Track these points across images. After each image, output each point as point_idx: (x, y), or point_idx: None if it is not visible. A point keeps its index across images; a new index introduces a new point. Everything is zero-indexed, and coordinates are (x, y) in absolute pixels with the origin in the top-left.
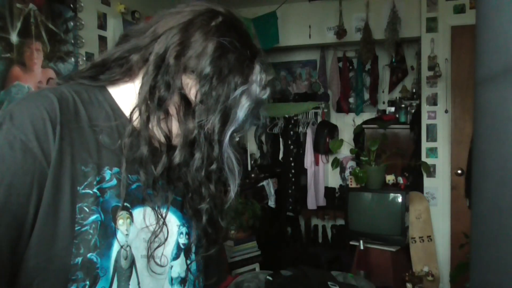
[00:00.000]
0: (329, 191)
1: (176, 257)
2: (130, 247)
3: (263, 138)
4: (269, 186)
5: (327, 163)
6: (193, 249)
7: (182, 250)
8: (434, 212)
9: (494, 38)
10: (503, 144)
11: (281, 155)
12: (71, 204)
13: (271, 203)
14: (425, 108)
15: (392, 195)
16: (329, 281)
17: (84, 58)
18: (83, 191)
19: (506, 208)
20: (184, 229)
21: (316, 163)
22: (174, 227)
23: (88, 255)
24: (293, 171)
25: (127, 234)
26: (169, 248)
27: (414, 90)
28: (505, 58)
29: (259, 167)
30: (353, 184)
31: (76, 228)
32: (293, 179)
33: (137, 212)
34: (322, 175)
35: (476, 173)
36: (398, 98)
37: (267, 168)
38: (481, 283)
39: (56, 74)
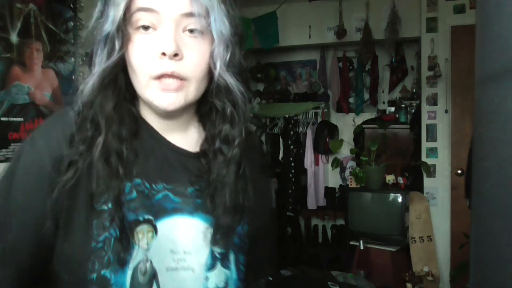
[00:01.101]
0: (329, 191)
1: (211, 267)
2: (151, 262)
3: (263, 138)
4: None
5: (327, 163)
6: (232, 257)
7: (218, 259)
8: (434, 212)
9: (494, 38)
10: (503, 144)
11: (281, 155)
12: (87, 222)
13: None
14: (425, 108)
15: (392, 195)
16: (329, 281)
17: (84, 58)
18: (100, 208)
19: (506, 208)
20: (218, 236)
21: (316, 163)
22: (207, 235)
23: (102, 271)
24: (293, 171)
25: (147, 249)
26: (202, 259)
27: (414, 90)
28: (505, 58)
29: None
30: (353, 184)
31: (92, 245)
32: (293, 179)
33: (163, 224)
34: (322, 175)
35: (476, 173)
36: (398, 98)
37: (267, 168)
38: (481, 283)
39: (56, 74)
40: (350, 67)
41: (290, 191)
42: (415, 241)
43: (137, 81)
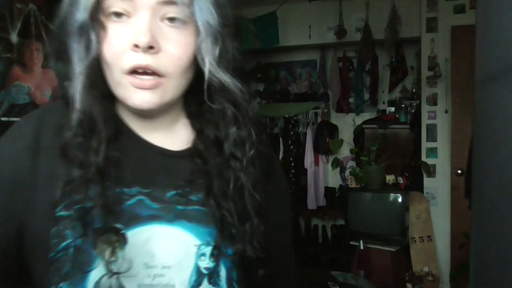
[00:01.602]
0: (329, 191)
1: (196, 285)
2: (118, 276)
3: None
4: None
5: (327, 163)
6: (223, 273)
7: (204, 276)
8: (434, 212)
9: (494, 38)
10: (503, 144)
11: (281, 155)
12: (46, 229)
13: None
14: (425, 108)
15: (392, 195)
16: (329, 281)
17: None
18: (60, 213)
19: (506, 208)
20: (207, 250)
21: (316, 163)
22: (191, 247)
23: (60, 284)
24: (293, 171)
25: (113, 261)
26: (184, 275)
27: (414, 90)
28: (505, 58)
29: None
30: (353, 184)
31: (51, 255)
32: (293, 179)
33: (135, 233)
34: (322, 175)
35: (476, 173)
36: (398, 98)
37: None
38: (481, 283)
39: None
40: (350, 67)
41: (290, 191)
42: (415, 241)
43: (109, 76)
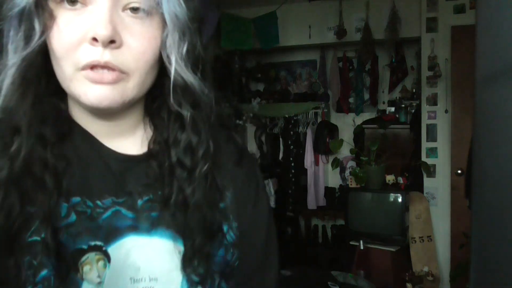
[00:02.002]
0: (329, 191)
1: None
2: None
3: (263, 138)
4: (269, 186)
5: (327, 163)
6: (216, 279)
7: (197, 285)
8: (434, 212)
9: (494, 38)
10: (503, 144)
11: (281, 155)
12: (16, 259)
13: (271, 203)
14: (425, 108)
15: (392, 195)
16: (329, 281)
17: None
18: (30, 239)
19: (506, 208)
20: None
21: (316, 163)
22: (175, 255)
23: None
24: (293, 171)
25: (100, 282)
26: (173, 285)
27: (414, 90)
28: (505, 58)
29: (259, 167)
30: (353, 184)
31: None
32: (293, 179)
33: (117, 248)
34: (322, 175)
35: (476, 173)
36: (398, 98)
37: (267, 168)
38: (481, 283)
39: None
40: (350, 67)
41: (290, 191)
42: (415, 241)
43: (60, 71)
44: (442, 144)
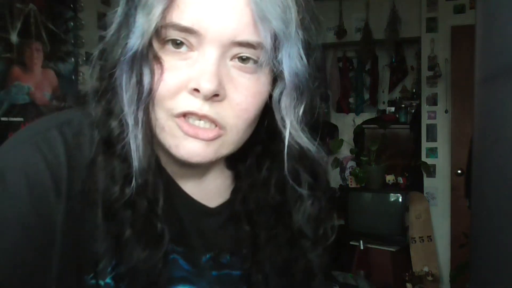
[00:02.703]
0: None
1: None
2: None
3: None
4: None
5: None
6: None
7: None
8: (434, 212)
9: (494, 38)
10: (503, 144)
11: None
12: None
13: None
14: (425, 108)
15: (392, 195)
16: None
17: (84, 58)
18: (92, 281)
19: (506, 208)
20: None
21: None
22: None
23: None
24: None
25: None
26: None
27: (414, 90)
28: (505, 58)
29: None
30: (353, 184)
31: None
32: None
33: None
34: None
35: (476, 173)
36: (398, 98)
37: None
38: (481, 283)
39: (56, 74)
40: (350, 67)
41: None
42: (415, 241)
43: (153, 116)
44: (442, 144)
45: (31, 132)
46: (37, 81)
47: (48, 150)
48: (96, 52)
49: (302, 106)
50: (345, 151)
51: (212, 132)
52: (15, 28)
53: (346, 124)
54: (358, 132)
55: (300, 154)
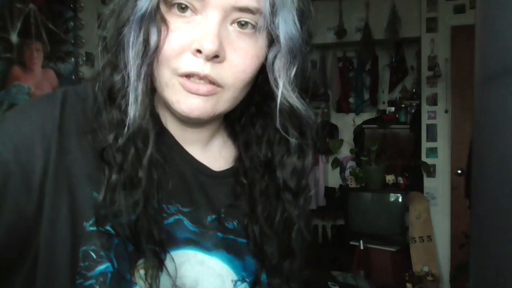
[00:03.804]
0: (329, 191)
1: None
2: None
3: None
4: None
5: (327, 163)
6: None
7: None
8: (434, 212)
9: (494, 38)
10: (503, 144)
11: None
12: (71, 247)
13: None
14: (425, 108)
15: (392, 195)
16: (329, 281)
17: (84, 58)
18: (92, 228)
19: (506, 208)
20: (243, 286)
21: (316, 163)
22: (227, 283)
23: None
24: None
25: None
26: None
27: (414, 90)
28: (505, 58)
29: None
30: (353, 184)
31: (78, 281)
32: None
33: (172, 256)
34: (322, 175)
35: (476, 173)
36: (398, 98)
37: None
38: (481, 283)
39: (56, 74)
40: (350, 67)
41: None
42: (415, 241)
43: (158, 74)
44: (442, 144)
45: (43, 95)
46: (37, 81)
47: (47, 104)
48: (107, 12)
49: (294, 68)
50: (345, 151)
51: (209, 87)
52: (15, 28)
53: (346, 124)
54: (358, 132)
55: (290, 112)
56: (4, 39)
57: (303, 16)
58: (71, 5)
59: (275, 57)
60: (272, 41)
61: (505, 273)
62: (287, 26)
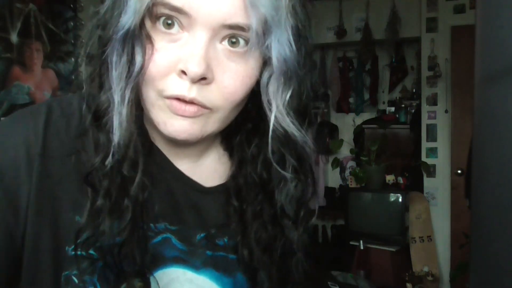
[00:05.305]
0: (329, 191)
1: None
2: None
3: None
4: None
5: (327, 163)
6: None
7: None
8: (434, 212)
9: (494, 38)
10: (503, 144)
11: None
12: (53, 272)
13: None
14: (425, 108)
15: (392, 195)
16: (329, 281)
17: (84, 63)
18: (74, 252)
19: (506, 208)
20: None
21: (316, 163)
22: None
23: None
24: None
25: None
26: None
27: (414, 90)
28: (505, 58)
29: None
30: (353, 184)
31: None
32: None
33: (160, 275)
34: (322, 175)
35: (476, 173)
36: (398, 98)
37: None
38: (481, 283)
39: (56, 74)
40: (350, 67)
41: None
42: (415, 241)
43: (143, 93)
44: (442, 144)
45: (27, 108)
46: (37, 81)
47: (28, 121)
48: (90, 27)
49: (289, 92)
50: (345, 151)
51: (196, 109)
52: (15, 28)
53: (346, 124)
54: (358, 132)
55: (285, 138)
56: (4, 39)
57: (299, 35)
58: (71, 5)
59: (269, 78)
60: (265, 61)
61: (505, 273)
62: (280, 46)
